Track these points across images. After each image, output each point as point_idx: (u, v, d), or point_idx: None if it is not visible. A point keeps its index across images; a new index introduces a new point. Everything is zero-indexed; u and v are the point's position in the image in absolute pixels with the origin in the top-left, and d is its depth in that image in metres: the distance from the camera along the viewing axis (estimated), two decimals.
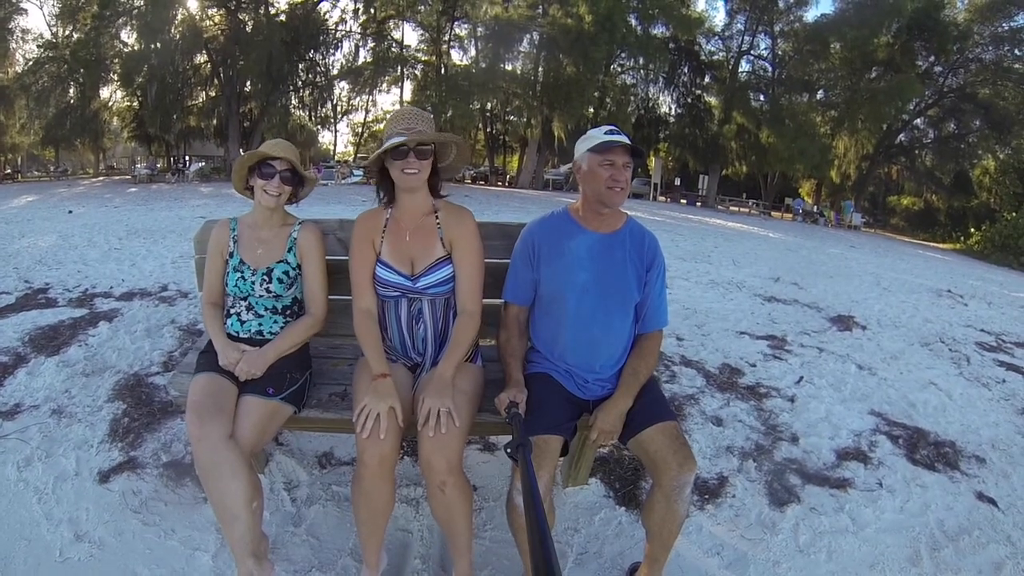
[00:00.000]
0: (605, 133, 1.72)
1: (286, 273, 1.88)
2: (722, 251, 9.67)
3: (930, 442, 2.95)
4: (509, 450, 1.30)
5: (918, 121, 29.10)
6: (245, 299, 1.88)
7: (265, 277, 1.85)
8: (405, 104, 30.95)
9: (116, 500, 2.08)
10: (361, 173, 26.36)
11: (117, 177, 27.53)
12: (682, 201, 29.78)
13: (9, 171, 28.03)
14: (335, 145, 43.65)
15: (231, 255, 1.89)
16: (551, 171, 33.65)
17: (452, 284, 1.79)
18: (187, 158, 32.26)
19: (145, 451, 2.38)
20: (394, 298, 1.80)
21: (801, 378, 3.62)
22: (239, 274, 1.85)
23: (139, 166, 27.05)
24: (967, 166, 28.29)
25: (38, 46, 25.76)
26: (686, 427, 2.91)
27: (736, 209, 28.02)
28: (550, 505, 1.68)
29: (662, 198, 30.07)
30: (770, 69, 28.87)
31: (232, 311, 1.91)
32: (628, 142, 1.70)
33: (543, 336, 1.86)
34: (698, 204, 29.15)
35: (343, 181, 24.60)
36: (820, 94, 28.85)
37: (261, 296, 1.86)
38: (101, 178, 27.03)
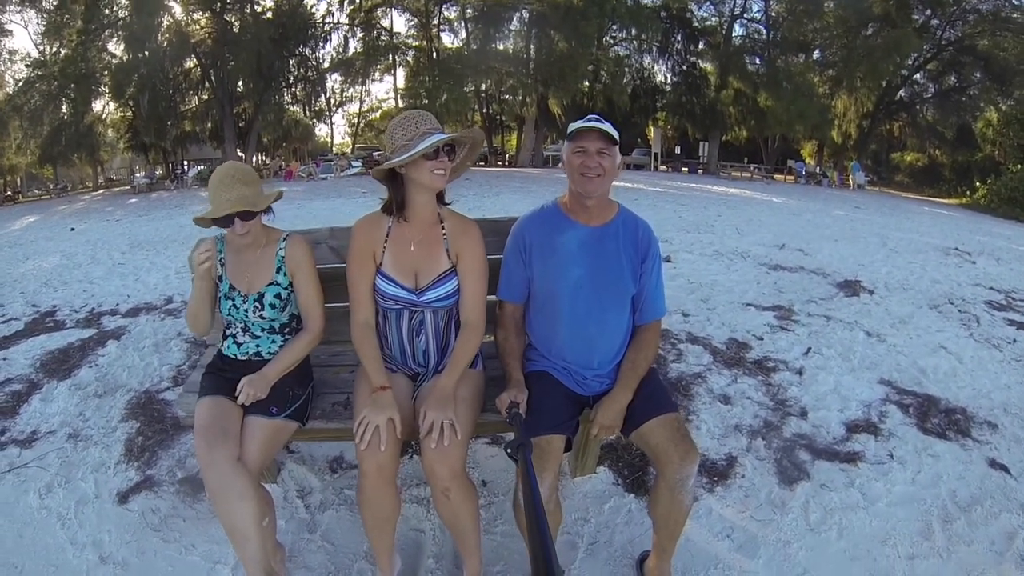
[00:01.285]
0: (583, 121, 1.68)
1: (278, 296, 1.83)
2: (725, 220, 9.57)
3: (941, 409, 2.92)
4: (510, 451, 1.30)
5: (917, 76, 28.41)
6: (241, 322, 1.86)
7: (257, 304, 1.81)
8: (399, 90, 31.13)
9: (136, 520, 2.11)
10: (360, 164, 26.32)
11: (117, 189, 27.60)
12: (683, 170, 29.42)
13: (9, 193, 28.07)
14: (332, 137, 43.63)
15: (220, 278, 1.84)
16: (551, 147, 33.48)
17: (456, 297, 1.77)
18: (185, 163, 32.29)
19: (160, 469, 2.42)
20: (396, 310, 1.77)
21: (809, 349, 3.60)
22: (231, 302, 1.82)
23: (138, 176, 27.11)
24: (969, 119, 27.67)
25: (26, 66, 25.79)
26: (693, 407, 2.90)
27: (738, 175, 27.65)
28: (556, 503, 1.69)
29: (663, 167, 29.77)
30: (764, 31, 28.26)
31: (228, 332, 1.89)
32: (600, 126, 1.64)
33: (539, 334, 1.85)
34: (700, 172, 28.81)
35: (342, 174, 24.51)
36: (816, 54, 28.27)
37: (256, 321, 1.84)
38: (101, 191, 27.13)
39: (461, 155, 1.81)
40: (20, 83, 25.47)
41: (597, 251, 1.74)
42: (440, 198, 1.78)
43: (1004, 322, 4.35)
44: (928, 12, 25.92)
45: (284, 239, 1.86)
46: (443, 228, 1.76)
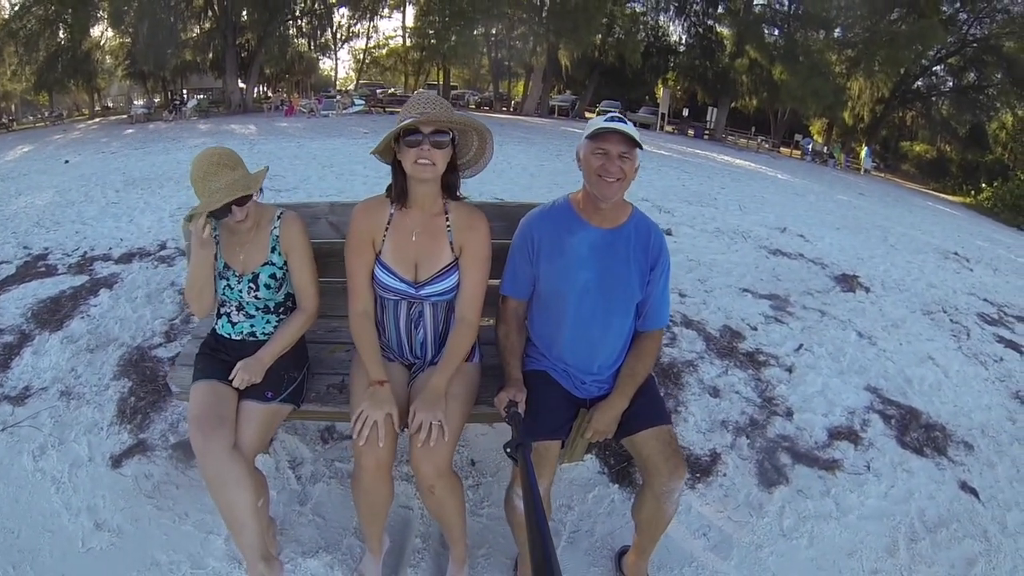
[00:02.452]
0: (605, 120, 1.63)
1: (272, 276, 1.80)
2: (729, 193, 9.47)
3: (921, 424, 2.96)
4: (508, 450, 1.30)
5: (937, 68, 27.91)
6: (235, 301, 1.83)
7: (252, 284, 1.78)
8: (408, 28, 30.13)
9: (130, 485, 2.13)
10: (363, 102, 25.72)
11: (113, 117, 26.86)
12: (689, 132, 28.96)
13: (4, 120, 27.25)
14: (336, 72, 42.69)
15: (215, 256, 1.79)
16: (557, 97, 32.90)
17: (457, 291, 1.74)
18: (184, 92, 31.42)
19: (153, 432, 2.42)
20: (394, 301, 1.75)
21: (801, 345, 3.62)
22: (225, 281, 1.79)
23: (136, 104, 26.41)
24: (984, 119, 27.34)
25: None
26: (683, 398, 2.93)
27: (744, 143, 27.28)
28: (547, 505, 1.71)
29: (669, 128, 29.34)
30: (786, 2, 27.48)
31: (222, 311, 1.86)
32: (625, 129, 1.59)
33: (541, 333, 1.83)
34: (705, 136, 28.36)
35: (344, 112, 23.88)
36: (837, 32, 27.44)
37: (251, 301, 1.82)
38: (97, 120, 26.38)
39: (471, 151, 1.73)
40: (16, 7, 24.39)
41: (607, 255, 1.71)
42: (452, 192, 1.72)
43: (993, 338, 4.34)
44: (957, 5, 25.25)
45: (278, 217, 1.81)
46: (448, 220, 1.71)
